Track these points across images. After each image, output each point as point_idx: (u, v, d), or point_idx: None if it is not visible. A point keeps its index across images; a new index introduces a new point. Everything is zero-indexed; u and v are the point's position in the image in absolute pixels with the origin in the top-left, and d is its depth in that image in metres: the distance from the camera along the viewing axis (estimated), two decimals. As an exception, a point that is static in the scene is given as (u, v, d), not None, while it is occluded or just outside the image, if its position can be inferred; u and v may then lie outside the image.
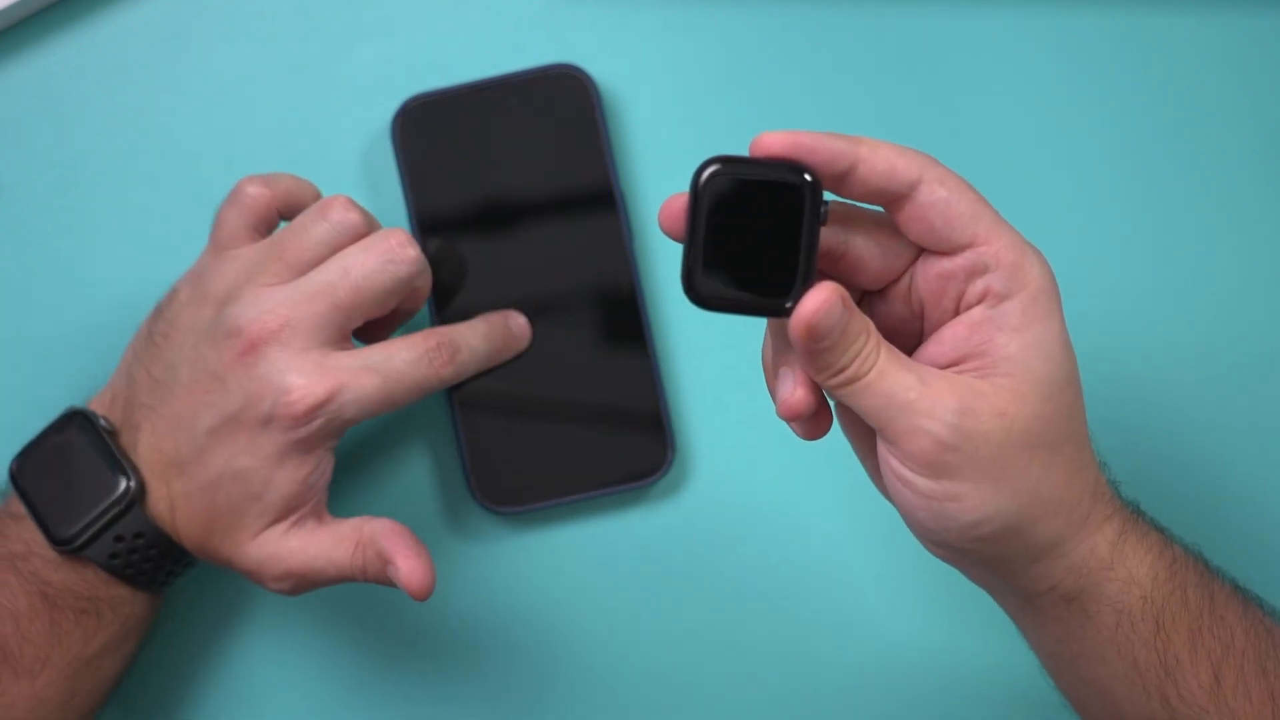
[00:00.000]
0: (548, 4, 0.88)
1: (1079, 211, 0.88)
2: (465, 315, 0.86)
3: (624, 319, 0.86)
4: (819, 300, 0.66)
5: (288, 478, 0.78)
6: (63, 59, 0.88)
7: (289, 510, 0.79)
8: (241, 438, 0.77)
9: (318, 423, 0.77)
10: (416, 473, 0.87)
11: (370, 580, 0.79)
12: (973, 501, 0.67)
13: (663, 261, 0.87)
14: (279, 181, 0.81)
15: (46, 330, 0.87)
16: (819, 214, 0.66)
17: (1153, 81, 0.88)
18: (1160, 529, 0.73)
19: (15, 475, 0.80)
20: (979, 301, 0.68)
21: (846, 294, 0.66)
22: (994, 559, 0.70)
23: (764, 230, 0.66)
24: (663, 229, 0.68)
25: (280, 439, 0.77)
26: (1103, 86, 0.88)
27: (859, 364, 0.67)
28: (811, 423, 0.70)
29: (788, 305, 0.66)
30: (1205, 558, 0.74)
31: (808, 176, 0.66)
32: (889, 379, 0.67)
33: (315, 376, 0.77)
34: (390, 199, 0.88)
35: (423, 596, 0.77)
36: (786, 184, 0.66)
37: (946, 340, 0.69)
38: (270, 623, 0.87)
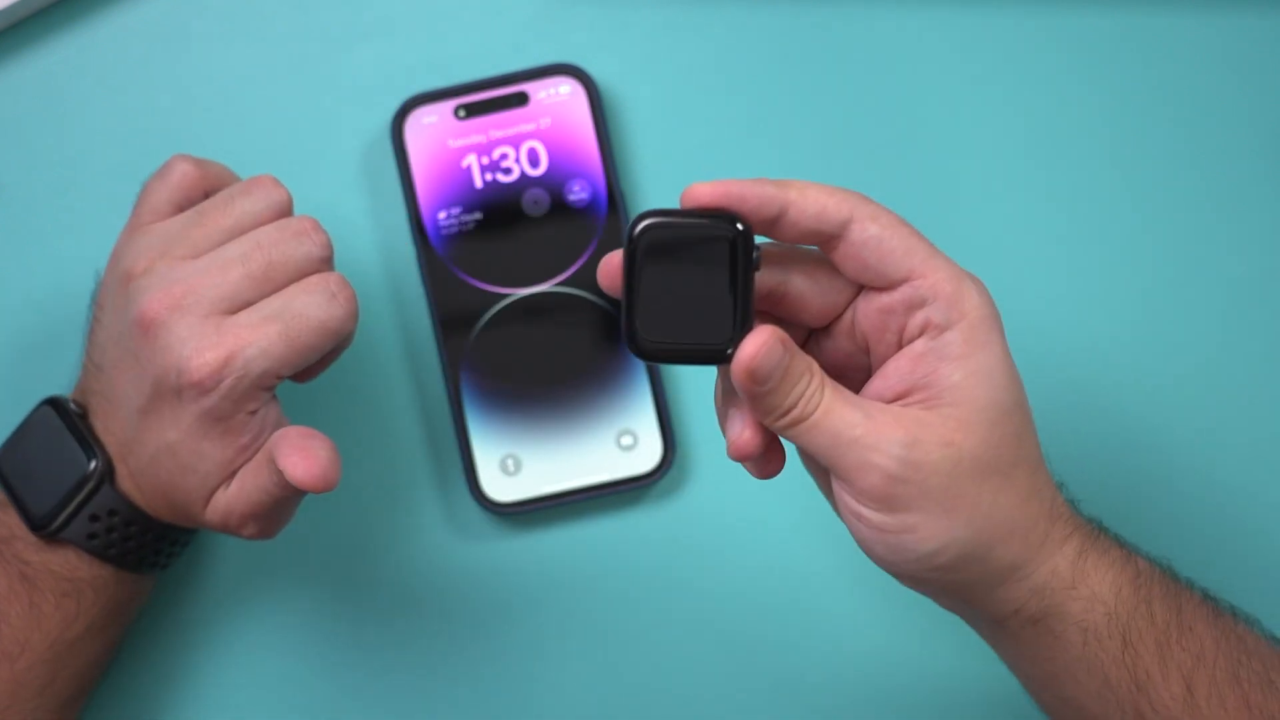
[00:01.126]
0: (548, 4, 0.88)
1: (1078, 211, 0.88)
2: (469, 317, 0.86)
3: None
4: (757, 344, 0.67)
5: (216, 447, 0.76)
6: (63, 59, 0.88)
7: (229, 475, 0.77)
8: (165, 413, 0.76)
9: (226, 384, 0.75)
10: (416, 473, 0.87)
11: (286, 492, 0.76)
12: (926, 532, 0.68)
13: (663, 261, 0.87)
14: (210, 166, 0.81)
15: (46, 330, 0.87)
16: (752, 260, 0.67)
17: (1153, 81, 0.88)
18: (1122, 544, 0.73)
19: (2, 462, 0.81)
20: (920, 334, 0.69)
21: (786, 336, 0.67)
22: (955, 586, 0.71)
23: (700, 280, 0.68)
24: (602, 286, 0.69)
25: (195, 409, 0.75)
26: (1103, 86, 0.88)
27: (804, 405, 0.68)
28: (763, 461, 0.71)
29: (728, 351, 0.68)
30: (1173, 569, 0.74)
31: (739, 225, 0.67)
32: (834, 417, 0.68)
33: (213, 339, 0.75)
34: (390, 199, 0.88)
35: (319, 487, 0.75)
36: (717, 234, 0.67)
37: (891, 374, 0.69)
38: (262, 618, 0.87)
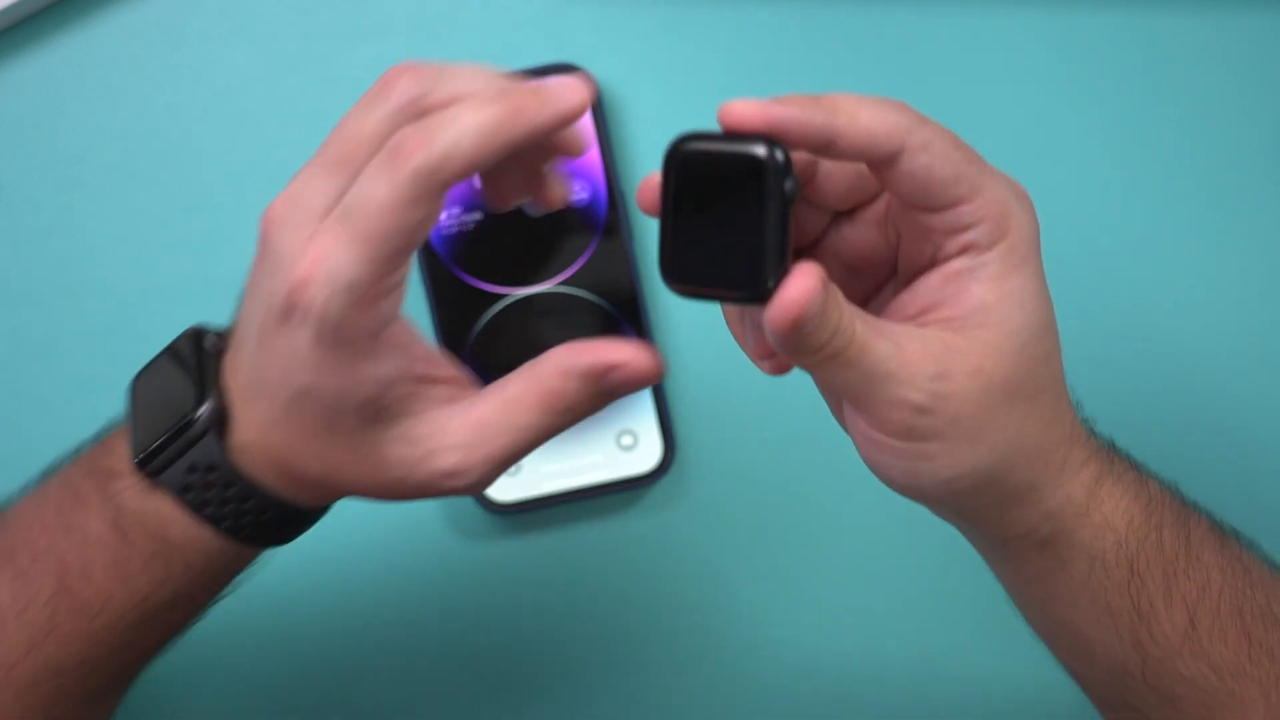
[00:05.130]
0: (547, 4, 0.88)
1: (1077, 211, 0.88)
2: (469, 317, 0.86)
3: (624, 319, 0.86)
4: (800, 291, 0.62)
5: (344, 378, 0.65)
6: (63, 59, 0.88)
7: (379, 413, 0.66)
8: (278, 344, 0.65)
9: (318, 306, 0.64)
10: (416, 473, 0.87)
11: (580, 416, 0.67)
12: (947, 460, 0.65)
13: (663, 261, 0.87)
14: (442, 79, 0.66)
15: (46, 330, 0.87)
16: (785, 191, 0.62)
17: (1153, 81, 0.88)
18: (1135, 466, 0.71)
19: (131, 385, 0.71)
20: (958, 253, 0.65)
21: (825, 275, 0.62)
22: (967, 508, 0.68)
23: (735, 210, 0.62)
24: (641, 207, 0.65)
25: (308, 338, 0.64)
26: (1103, 86, 0.88)
27: (834, 342, 0.63)
28: (781, 362, 0.67)
29: (765, 291, 0.62)
30: (1181, 493, 0.72)
31: (778, 154, 0.61)
32: (865, 353, 0.63)
33: (299, 254, 0.64)
34: (390, 199, 0.88)
35: (659, 375, 0.66)
36: (753, 163, 0.61)
37: (919, 289, 0.66)
38: (260, 617, 0.87)
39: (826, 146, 0.63)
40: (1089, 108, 0.88)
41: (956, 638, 0.87)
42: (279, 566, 0.87)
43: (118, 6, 0.88)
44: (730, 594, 0.87)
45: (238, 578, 0.73)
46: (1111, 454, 0.70)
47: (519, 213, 0.87)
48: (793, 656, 0.87)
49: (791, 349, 0.63)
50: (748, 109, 0.62)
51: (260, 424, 0.67)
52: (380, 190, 0.63)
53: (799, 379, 0.87)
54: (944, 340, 0.64)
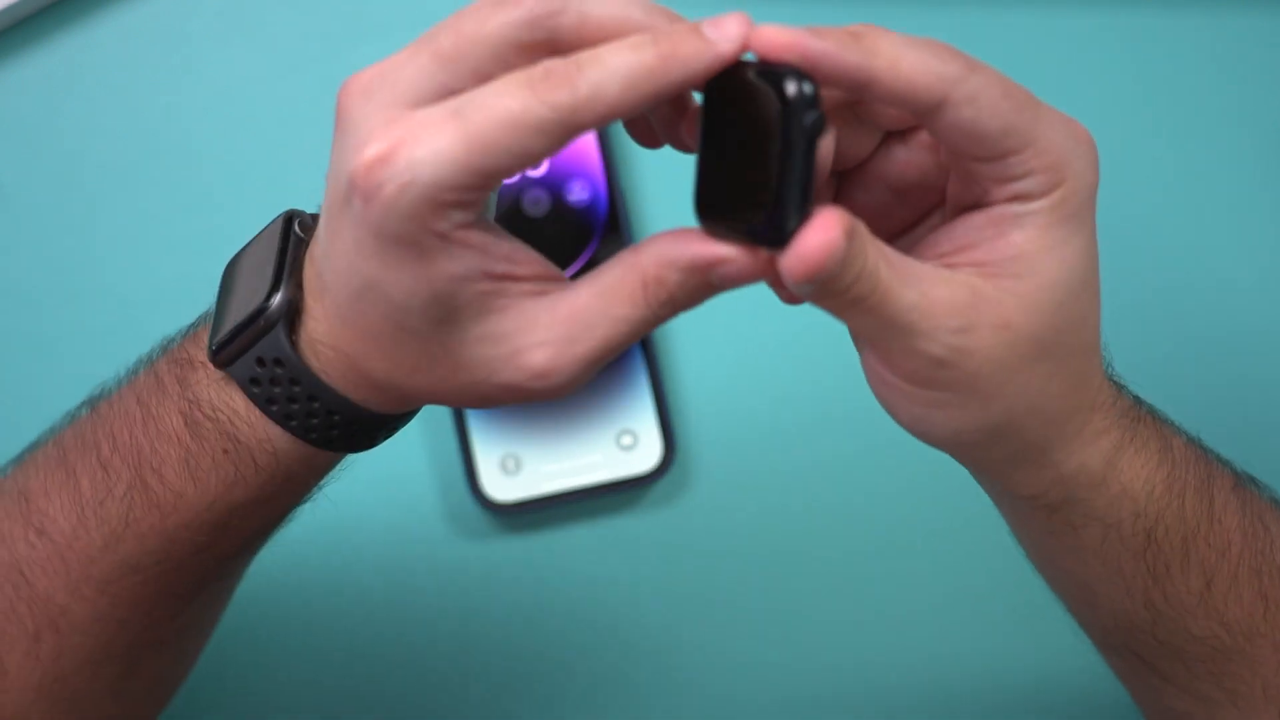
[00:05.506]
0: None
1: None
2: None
3: (624, 319, 0.86)
4: (822, 243, 0.57)
5: (409, 274, 0.59)
6: (63, 59, 0.88)
7: (453, 312, 0.60)
8: (344, 232, 0.60)
9: (388, 192, 0.58)
10: (416, 473, 0.87)
11: (679, 310, 0.61)
12: (958, 413, 0.62)
13: (663, 261, 0.87)
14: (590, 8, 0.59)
15: (46, 330, 0.87)
16: (807, 128, 0.57)
17: (1153, 81, 0.88)
18: (1161, 427, 0.67)
19: (225, 270, 0.67)
20: (1006, 200, 0.61)
21: (849, 223, 0.58)
22: (975, 459, 0.64)
23: (760, 145, 0.57)
24: (687, 146, 0.61)
25: (367, 227, 0.59)
26: (1102, 86, 0.88)
27: (857, 288, 0.59)
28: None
29: (784, 235, 0.57)
30: (1204, 447, 0.68)
31: (804, 88, 0.56)
32: (890, 301, 0.59)
33: (379, 132, 0.58)
34: (390, 199, 0.88)
35: (768, 273, 0.60)
36: (777, 96, 0.57)
37: (957, 228, 0.62)
38: (257, 618, 0.87)
39: (860, 90, 0.58)
40: (1087, 108, 0.88)
41: (963, 638, 0.87)
42: (277, 565, 0.87)
43: (118, 6, 0.88)
44: (730, 594, 0.87)
45: (320, 482, 0.68)
46: (1137, 414, 0.66)
47: (519, 212, 0.87)
48: (793, 657, 0.87)
49: (808, 295, 0.59)
50: (778, 38, 0.57)
51: (329, 318, 0.62)
52: (513, 102, 0.57)
53: (802, 377, 0.87)
54: (973, 287, 0.60)
